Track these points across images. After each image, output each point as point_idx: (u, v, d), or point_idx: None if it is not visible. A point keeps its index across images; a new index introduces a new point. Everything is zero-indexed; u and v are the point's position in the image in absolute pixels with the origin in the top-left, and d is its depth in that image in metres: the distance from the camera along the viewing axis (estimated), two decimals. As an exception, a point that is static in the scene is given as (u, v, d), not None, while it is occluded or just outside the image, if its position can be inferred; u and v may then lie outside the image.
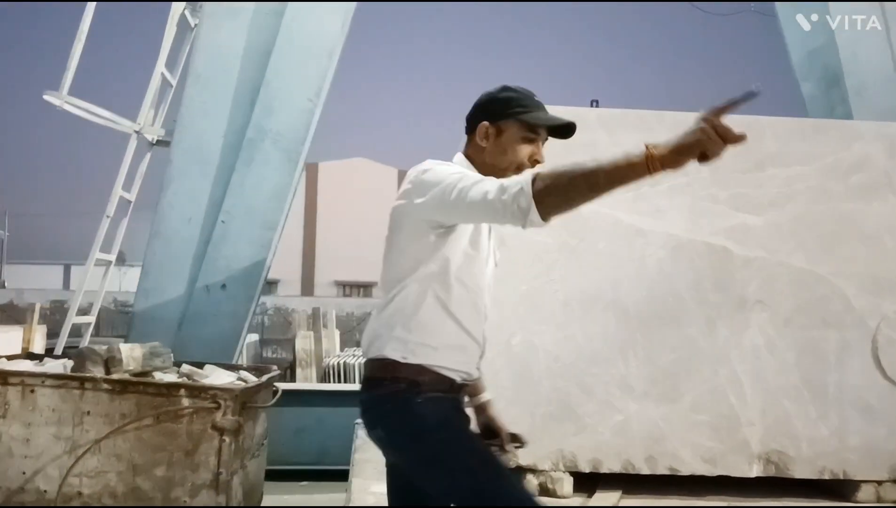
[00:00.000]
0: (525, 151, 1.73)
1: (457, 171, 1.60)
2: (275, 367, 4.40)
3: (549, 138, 1.79)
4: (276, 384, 4.27)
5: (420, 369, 1.63)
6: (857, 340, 3.30)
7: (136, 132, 5.44)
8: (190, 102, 5.21)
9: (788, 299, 3.29)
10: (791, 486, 3.30)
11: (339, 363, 8.51)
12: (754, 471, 3.23)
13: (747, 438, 3.24)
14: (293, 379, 13.32)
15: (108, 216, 5.35)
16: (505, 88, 1.81)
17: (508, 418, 3.15)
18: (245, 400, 3.63)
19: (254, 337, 14.81)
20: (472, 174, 1.58)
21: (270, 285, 29.45)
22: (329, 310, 12.42)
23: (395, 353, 1.63)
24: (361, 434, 4.35)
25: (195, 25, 5.62)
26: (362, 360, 1.78)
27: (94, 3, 5.30)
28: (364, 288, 30.63)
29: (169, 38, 5.59)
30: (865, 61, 5.45)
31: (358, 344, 16.96)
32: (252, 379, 4.04)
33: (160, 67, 5.53)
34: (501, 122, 1.75)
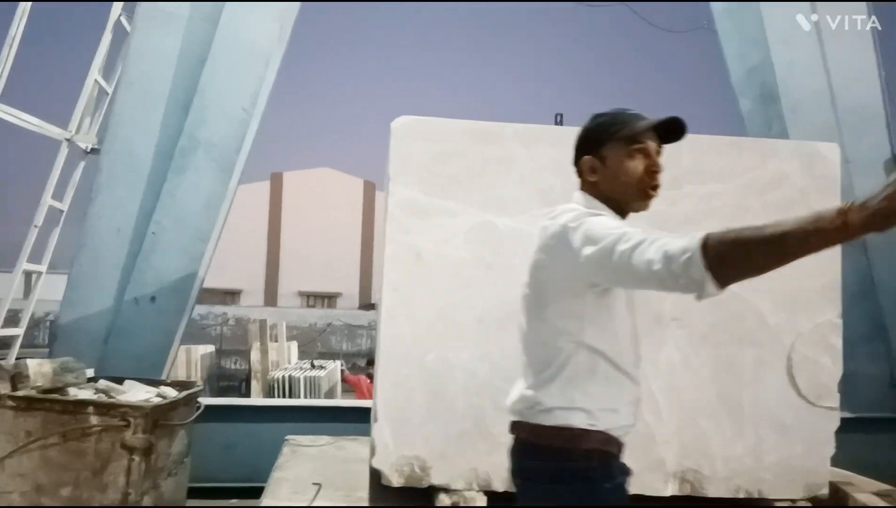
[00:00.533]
0: (637, 166, 1.69)
1: (612, 226, 1.53)
2: (198, 383, 4.29)
3: (665, 145, 1.76)
4: (199, 399, 4.17)
5: (606, 437, 1.61)
6: (772, 357, 3.29)
7: (68, 140, 5.31)
8: (121, 109, 5.08)
9: (704, 316, 3.27)
10: (707, 503, 3.28)
11: (283, 377, 8.36)
12: (669, 490, 3.20)
13: (662, 456, 3.21)
14: (248, 391, 13.12)
15: (35, 226, 5.19)
16: (595, 117, 1.78)
17: (423, 436, 3.13)
18: (157, 418, 3.53)
19: (210, 348, 14.58)
20: (631, 232, 1.50)
21: (233, 295, 29.09)
22: (279, 322, 12.25)
23: (581, 423, 1.60)
24: (286, 451, 4.25)
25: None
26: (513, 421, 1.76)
27: (29, 3, 5.17)
28: (328, 299, 30.38)
29: (105, 45, 5.48)
30: (800, 79, 5.53)
31: (320, 356, 16.75)
32: (172, 395, 3.93)
33: (93, 73, 5.40)
34: (601, 149, 1.72)
